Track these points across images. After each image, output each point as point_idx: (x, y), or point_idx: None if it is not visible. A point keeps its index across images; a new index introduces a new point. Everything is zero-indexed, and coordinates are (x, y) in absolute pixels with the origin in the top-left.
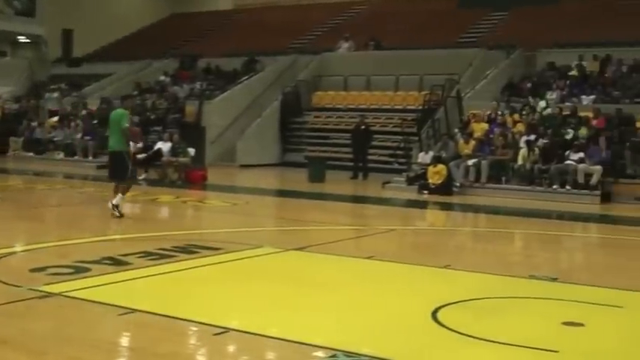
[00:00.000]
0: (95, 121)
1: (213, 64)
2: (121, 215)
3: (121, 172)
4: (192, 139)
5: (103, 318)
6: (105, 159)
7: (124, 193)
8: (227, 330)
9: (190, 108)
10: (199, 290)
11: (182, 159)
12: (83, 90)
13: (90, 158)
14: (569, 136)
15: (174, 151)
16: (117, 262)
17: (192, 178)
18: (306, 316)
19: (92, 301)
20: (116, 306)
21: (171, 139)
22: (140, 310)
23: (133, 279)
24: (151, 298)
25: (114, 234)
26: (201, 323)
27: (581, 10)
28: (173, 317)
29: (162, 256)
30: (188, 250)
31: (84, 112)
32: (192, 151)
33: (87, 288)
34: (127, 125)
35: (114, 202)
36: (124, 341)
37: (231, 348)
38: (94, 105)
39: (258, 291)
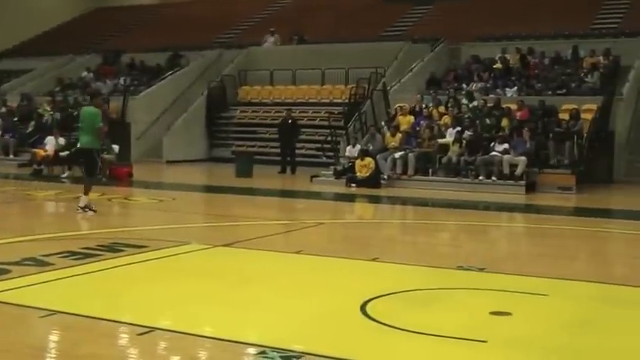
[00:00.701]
0: (15, 119)
1: (137, 59)
2: (95, 210)
3: (90, 169)
4: (117, 136)
5: (22, 321)
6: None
7: (86, 193)
8: (152, 329)
9: (114, 104)
10: (124, 289)
11: (106, 156)
12: (2, 86)
13: (11, 156)
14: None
15: None
16: (39, 263)
17: (117, 175)
18: (234, 313)
19: (11, 304)
20: (37, 308)
21: None
22: (62, 312)
23: (56, 280)
24: (74, 299)
25: (36, 234)
26: (125, 323)
27: (503, 4)
28: (96, 318)
29: (87, 256)
30: (113, 248)
31: (3, 109)
32: (116, 147)
33: (6, 290)
34: (101, 124)
35: (80, 204)
36: (43, 344)
37: (156, 348)
38: (14, 102)
39: (185, 288)
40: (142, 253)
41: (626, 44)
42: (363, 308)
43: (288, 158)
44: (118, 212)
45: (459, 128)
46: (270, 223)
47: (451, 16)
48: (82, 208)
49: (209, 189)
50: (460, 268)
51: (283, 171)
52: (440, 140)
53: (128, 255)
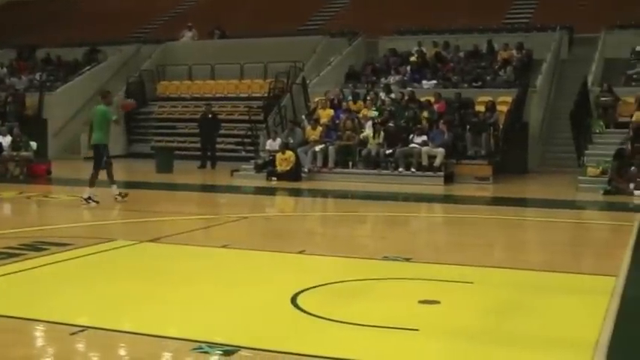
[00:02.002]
0: None
1: (53, 54)
2: (98, 202)
3: (97, 162)
4: (34, 132)
5: None
6: None
7: (91, 185)
8: (84, 328)
9: (30, 100)
10: (52, 289)
11: (23, 153)
12: None
13: None
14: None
15: (14, 145)
16: None
17: (35, 172)
18: (166, 309)
19: None
20: None
21: (10, 133)
22: None
23: None
24: (1, 301)
25: None
26: (55, 323)
27: None
28: (25, 319)
29: (9, 255)
30: (36, 247)
31: None
32: (34, 144)
33: None
34: (115, 117)
35: (84, 196)
36: None
37: (89, 347)
38: None
39: (113, 286)
40: (67, 251)
41: (537, 38)
42: (294, 301)
43: (209, 153)
44: (38, 210)
45: (377, 121)
46: (194, 218)
47: (368, 9)
48: (85, 199)
49: (130, 185)
50: (386, 258)
51: (203, 166)
52: (362, 135)
53: (53, 253)
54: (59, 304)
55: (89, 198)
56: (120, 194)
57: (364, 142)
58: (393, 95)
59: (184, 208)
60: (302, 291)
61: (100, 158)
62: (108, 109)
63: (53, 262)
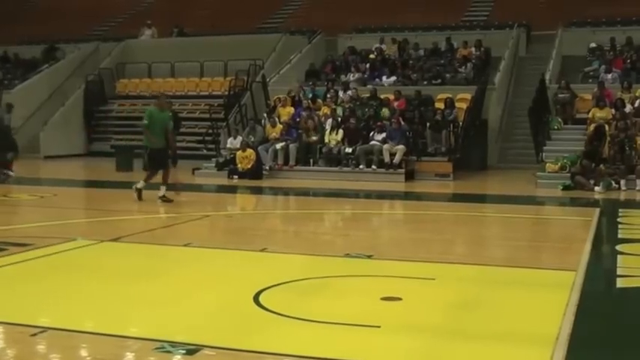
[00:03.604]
0: None
1: (10, 51)
2: (172, 200)
3: (165, 162)
4: None
5: None
6: None
7: (166, 182)
8: (45, 329)
9: None
10: (11, 290)
11: None
12: None
13: None
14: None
15: None
16: None
17: None
18: (127, 309)
19: None
20: None
21: None
22: None
23: None
24: None
25: None
26: (15, 325)
27: None
28: None
29: None
30: None
31: None
32: None
33: None
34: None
35: (160, 195)
36: None
37: (50, 348)
38: None
39: (74, 286)
40: (27, 251)
41: (495, 36)
42: (256, 299)
43: (170, 151)
44: None
45: (338, 118)
46: (155, 217)
47: (327, 7)
48: (162, 197)
49: (90, 184)
50: (348, 255)
51: None
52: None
53: (12, 254)
54: (19, 305)
55: (164, 196)
56: (164, 197)
57: (325, 140)
58: (350, 92)
59: (146, 206)
60: (264, 289)
61: (167, 159)
62: (170, 116)
63: (13, 263)
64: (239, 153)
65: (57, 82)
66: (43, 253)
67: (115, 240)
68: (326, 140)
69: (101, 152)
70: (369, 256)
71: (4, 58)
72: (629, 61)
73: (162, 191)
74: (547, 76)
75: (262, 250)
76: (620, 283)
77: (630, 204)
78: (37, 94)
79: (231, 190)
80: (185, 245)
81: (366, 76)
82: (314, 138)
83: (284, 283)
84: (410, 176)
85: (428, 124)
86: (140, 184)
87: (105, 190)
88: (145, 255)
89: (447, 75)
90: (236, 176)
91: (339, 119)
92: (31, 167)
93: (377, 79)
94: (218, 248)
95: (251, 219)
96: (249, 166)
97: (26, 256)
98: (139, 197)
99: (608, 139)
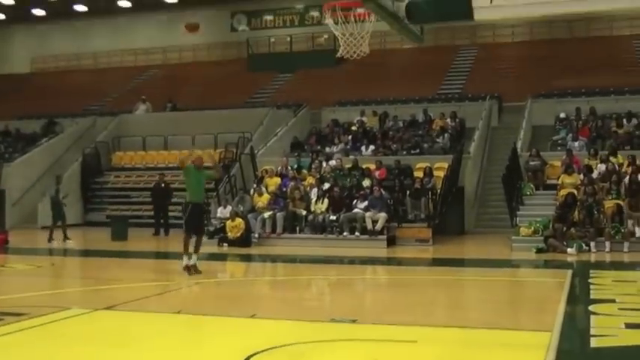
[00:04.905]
0: None
1: (11, 126)
2: (201, 272)
3: (202, 223)
4: None
5: None
6: None
7: (198, 251)
8: None
9: None
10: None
11: None
12: None
13: None
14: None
15: None
16: None
17: None
18: None
19: None
20: None
21: None
22: None
23: None
24: None
25: None
26: None
27: (359, 72)
28: None
29: None
30: None
31: None
32: None
33: None
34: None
35: (190, 263)
36: None
37: None
38: None
39: (69, 355)
40: (21, 321)
41: (469, 107)
42: None
43: (162, 220)
44: None
45: (323, 188)
46: (149, 285)
47: (311, 83)
48: (191, 266)
49: (86, 253)
50: (333, 320)
51: (157, 233)
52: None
53: (7, 324)
54: None
55: (193, 266)
56: (195, 267)
57: (310, 208)
58: (333, 162)
59: (139, 274)
60: (254, 354)
61: (203, 220)
62: (202, 171)
63: (8, 333)
64: (229, 222)
65: (55, 155)
66: (38, 323)
67: (109, 308)
68: (312, 209)
69: (97, 222)
70: (354, 321)
71: (6, 132)
72: (594, 129)
73: (194, 260)
74: (518, 145)
75: (252, 317)
76: (594, 342)
77: (601, 265)
78: (37, 167)
79: (222, 257)
80: (176, 312)
81: (348, 147)
82: (303, 212)
83: (272, 348)
84: (391, 242)
85: (408, 192)
86: (185, 261)
87: (100, 259)
88: (138, 323)
89: (425, 145)
90: (226, 244)
91: (324, 189)
92: (29, 237)
93: (359, 150)
94: (208, 315)
95: (240, 285)
96: (238, 235)
97: (21, 325)
98: (197, 271)
99: (578, 203)
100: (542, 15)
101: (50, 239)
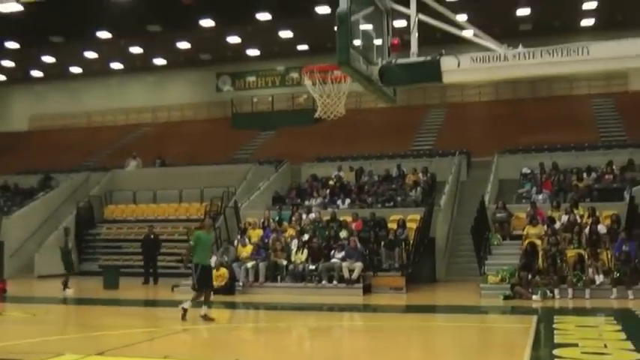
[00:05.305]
0: None
1: (10, 181)
2: (213, 319)
3: (210, 281)
4: None
5: None
6: None
7: (208, 301)
8: None
9: None
10: None
11: None
12: None
13: None
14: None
15: None
16: None
17: None
18: None
19: None
20: None
21: None
22: None
23: None
24: None
25: None
26: None
27: (336, 130)
28: None
29: None
30: None
31: None
32: None
33: None
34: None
35: (202, 314)
36: None
37: None
38: None
39: None
40: None
41: (440, 162)
42: None
43: (151, 270)
44: None
45: (303, 239)
46: (138, 331)
47: (292, 140)
48: (205, 315)
49: (80, 301)
50: None
51: (147, 282)
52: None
53: None
54: None
55: (206, 315)
56: (206, 316)
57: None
58: (313, 215)
59: (130, 321)
60: None
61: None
62: (210, 234)
63: None
64: (214, 271)
65: (51, 208)
66: None
67: (101, 354)
68: (292, 259)
69: (90, 271)
70: None
71: (5, 186)
72: (556, 183)
73: (204, 310)
74: (486, 198)
75: None
76: None
77: (564, 311)
78: (34, 220)
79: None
80: (164, 358)
81: (326, 200)
82: (284, 262)
83: None
84: (367, 290)
85: (382, 243)
86: (187, 304)
87: (93, 306)
88: None
89: (399, 198)
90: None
91: (304, 240)
92: (26, 286)
93: (336, 203)
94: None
95: (225, 332)
96: (223, 283)
97: None
98: (184, 317)
99: (541, 252)
100: (504, 77)
101: (65, 287)
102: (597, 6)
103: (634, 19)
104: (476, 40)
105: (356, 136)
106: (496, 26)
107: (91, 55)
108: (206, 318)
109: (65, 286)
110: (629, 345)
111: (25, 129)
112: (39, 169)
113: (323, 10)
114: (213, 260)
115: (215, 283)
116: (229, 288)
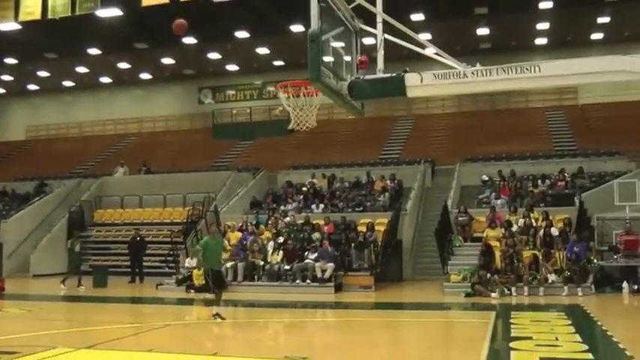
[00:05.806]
0: None
1: (8, 187)
2: (224, 318)
3: (224, 282)
4: None
5: None
6: None
7: (219, 302)
8: None
9: None
10: None
11: None
12: None
13: None
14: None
15: None
16: None
17: None
18: None
19: None
20: None
21: None
22: None
23: None
24: None
25: None
26: None
27: (309, 140)
28: None
29: None
30: None
31: None
32: None
33: None
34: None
35: (214, 312)
36: None
37: None
38: None
39: None
40: (14, 359)
41: (406, 170)
42: None
43: (137, 270)
44: None
45: (279, 241)
46: (125, 326)
47: (269, 149)
48: (217, 314)
49: (71, 299)
50: (287, 357)
51: (133, 280)
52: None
53: None
54: None
55: (217, 314)
56: (218, 314)
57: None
58: (288, 219)
59: (117, 317)
60: None
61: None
62: (217, 240)
63: None
64: (195, 271)
65: (45, 212)
66: None
67: (90, 347)
68: (268, 260)
69: (81, 271)
70: (305, 358)
71: (3, 192)
72: (513, 189)
73: (216, 309)
74: (449, 203)
75: (214, 354)
76: None
77: (520, 307)
78: (29, 223)
79: (189, 302)
80: (149, 351)
81: (300, 205)
82: (261, 262)
83: None
84: (338, 289)
85: (352, 245)
86: (216, 309)
87: (83, 303)
88: None
89: (368, 203)
90: (193, 291)
91: (279, 242)
92: (23, 285)
93: (310, 208)
94: (176, 353)
95: (205, 327)
96: (203, 282)
97: None
98: (221, 317)
99: (499, 253)
100: (464, 92)
101: (79, 285)
102: (550, 27)
103: (583, 38)
104: (437, 57)
105: (328, 145)
106: (458, 44)
107: (82, 70)
108: (217, 316)
109: (79, 284)
110: (578, 337)
111: (22, 139)
112: (34, 176)
113: (297, 28)
114: (194, 261)
115: (196, 282)
116: (209, 286)
